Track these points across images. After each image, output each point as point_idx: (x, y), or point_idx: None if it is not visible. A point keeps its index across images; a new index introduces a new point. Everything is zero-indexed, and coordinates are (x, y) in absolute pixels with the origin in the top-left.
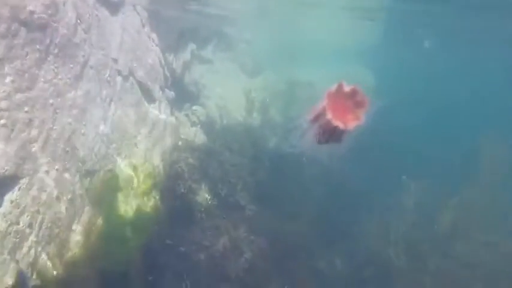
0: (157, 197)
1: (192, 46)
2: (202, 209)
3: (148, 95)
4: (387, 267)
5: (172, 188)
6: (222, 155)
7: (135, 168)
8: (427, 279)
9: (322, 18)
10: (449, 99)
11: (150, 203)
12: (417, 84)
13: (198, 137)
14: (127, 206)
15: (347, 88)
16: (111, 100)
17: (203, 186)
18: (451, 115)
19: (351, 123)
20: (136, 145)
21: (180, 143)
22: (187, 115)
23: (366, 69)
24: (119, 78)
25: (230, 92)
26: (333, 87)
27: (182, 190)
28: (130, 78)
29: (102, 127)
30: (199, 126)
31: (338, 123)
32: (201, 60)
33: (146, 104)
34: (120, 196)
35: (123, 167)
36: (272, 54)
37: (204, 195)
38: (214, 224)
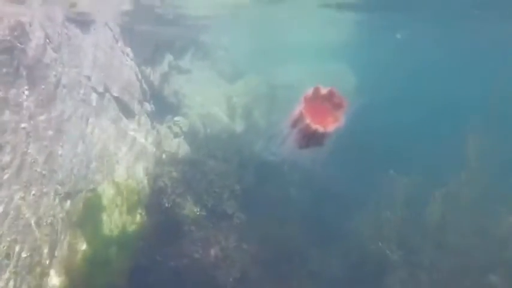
0: (143, 213)
1: (169, 57)
2: (190, 221)
3: (126, 110)
4: (382, 263)
5: (157, 202)
6: (207, 165)
7: (117, 186)
8: (422, 273)
9: (299, 18)
10: (432, 94)
11: (136, 220)
12: (399, 80)
13: (182, 148)
14: (112, 225)
15: (324, 91)
16: (87, 118)
17: (189, 198)
18: (435, 110)
19: (330, 125)
20: (118, 162)
21: (163, 155)
22: (169, 127)
23: (347, 66)
24: (94, 96)
25: (211, 100)
26: (310, 91)
27: (167, 204)
28: (107, 94)
29: (80, 147)
30: (182, 137)
31: (317, 127)
32: (179, 71)
33: (125, 120)
34: (104, 216)
35: (106, 185)
36: (251, 57)
37: (190, 207)
38: (203, 235)
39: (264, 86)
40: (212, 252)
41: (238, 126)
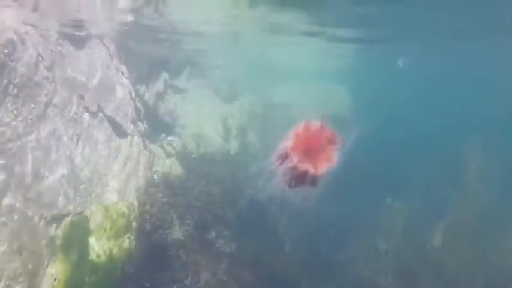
0: (132, 238)
1: (164, 76)
2: (181, 246)
3: (119, 130)
4: None
5: (147, 226)
6: (199, 187)
7: (107, 209)
8: None
9: (294, 44)
10: (428, 116)
11: (125, 245)
12: (394, 103)
13: (174, 168)
14: (99, 251)
15: (314, 126)
16: (78, 138)
17: (180, 221)
18: (430, 132)
19: (321, 165)
20: (108, 184)
21: (155, 176)
22: (162, 146)
23: (342, 87)
24: (86, 115)
25: (206, 120)
26: (298, 127)
27: (158, 227)
28: (99, 114)
29: (69, 167)
30: (175, 157)
31: (306, 168)
32: (175, 90)
33: (117, 140)
34: (91, 240)
35: (94, 208)
36: (247, 77)
37: (181, 231)
38: (194, 260)
39: (260, 106)
40: (203, 277)
41: (233, 147)
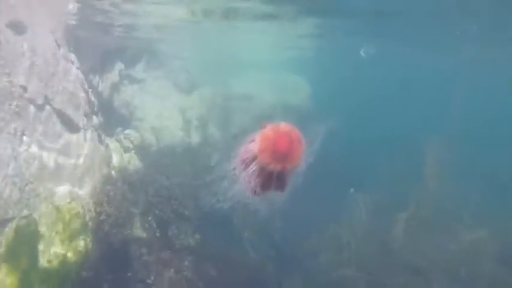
0: (89, 239)
1: (119, 66)
2: (142, 244)
3: (70, 124)
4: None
5: (105, 225)
6: (160, 181)
7: (58, 210)
8: None
9: (255, 33)
10: (389, 107)
11: (80, 247)
12: (355, 93)
13: (133, 163)
14: (51, 256)
15: (281, 127)
16: (22, 134)
17: (140, 218)
18: (391, 123)
19: (291, 167)
20: (60, 182)
21: (112, 172)
22: (119, 141)
23: (302, 78)
24: (31, 108)
25: (165, 112)
26: (263, 130)
27: (117, 226)
28: (47, 107)
29: (12, 166)
30: (133, 151)
31: (273, 169)
32: (131, 80)
33: (68, 135)
34: (41, 246)
35: (44, 210)
36: (207, 68)
37: (142, 229)
38: (156, 257)
39: (220, 98)
40: (167, 275)
41: (194, 140)
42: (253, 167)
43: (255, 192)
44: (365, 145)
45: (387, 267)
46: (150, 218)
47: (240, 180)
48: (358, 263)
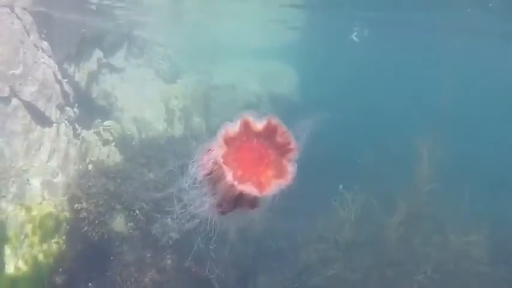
0: (62, 241)
1: (98, 54)
2: (122, 242)
3: (41, 118)
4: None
5: (83, 224)
6: (141, 175)
7: (28, 211)
8: None
9: (239, 19)
10: (384, 97)
11: (52, 250)
12: (346, 82)
13: (113, 156)
14: (19, 261)
15: (258, 125)
16: None
17: (120, 215)
18: (382, 114)
19: (269, 183)
20: (29, 181)
21: (90, 167)
22: (97, 133)
23: (288, 66)
24: None
25: (148, 102)
26: (233, 126)
27: (96, 225)
28: (13, 99)
29: None
30: (113, 144)
31: (245, 189)
32: (111, 69)
33: (39, 129)
34: (8, 250)
35: (11, 212)
36: (191, 56)
37: (122, 226)
38: (137, 257)
39: (204, 87)
40: (148, 275)
41: (177, 131)
42: (216, 179)
43: (221, 211)
44: (356, 139)
45: (376, 266)
46: (132, 214)
47: (201, 195)
48: (346, 261)
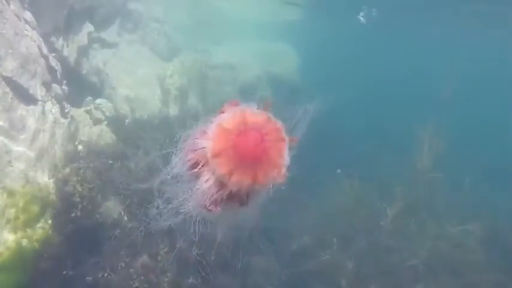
0: (48, 226)
1: (88, 27)
2: (113, 227)
3: (24, 95)
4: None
5: (69, 208)
6: (134, 156)
7: (11, 194)
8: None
9: None
10: (389, 83)
11: (37, 235)
12: (351, 65)
13: (104, 136)
14: (0, 247)
15: (254, 116)
16: None
17: (111, 198)
18: (383, 100)
19: (264, 178)
20: (11, 163)
21: (79, 147)
22: (88, 111)
23: (289, 47)
24: None
25: (142, 80)
26: (225, 118)
27: (81, 208)
28: None
29: None
30: (105, 123)
31: (239, 184)
32: (103, 44)
33: (23, 107)
34: None
35: None
36: (189, 33)
37: (113, 210)
38: (130, 241)
39: (202, 66)
40: (139, 260)
41: (172, 111)
42: (203, 173)
43: (208, 208)
44: (357, 126)
45: (373, 253)
46: (122, 197)
47: (187, 189)
48: (343, 248)
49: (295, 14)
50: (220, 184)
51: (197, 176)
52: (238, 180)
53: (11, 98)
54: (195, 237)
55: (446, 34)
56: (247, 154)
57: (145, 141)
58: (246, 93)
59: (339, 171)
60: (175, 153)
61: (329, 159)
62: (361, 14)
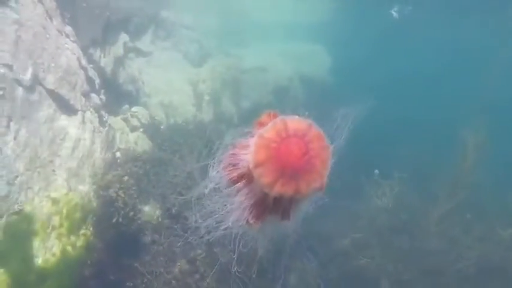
0: (89, 233)
1: (124, 37)
2: (152, 232)
3: (65, 106)
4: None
5: (110, 215)
6: (171, 162)
7: (55, 202)
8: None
9: None
10: (426, 83)
11: (80, 242)
12: (384, 64)
13: (141, 143)
14: (47, 254)
15: (292, 124)
16: (9, 120)
17: (150, 203)
18: (428, 102)
19: (307, 187)
20: (55, 172)
21: (117, 154)
22: (125, 119)
23: (320, 46)
24: (19, 90)
25: (176, 86)
26: (266, 128)
27: (123, 214)
28: (37, 87)
29: None
30: (141, 130)
31: (284, 193)
32: (137, 53)
33: (64, 117)
34: (36, 243)
35: (38, 203)
36: (219, 38)
37: (151, 215)
38: (168, 247)
39: (234, 69)
40: (178, 266)
41: (206, 115)
42: (244, 186)
43: (248, 222)
44: (395, 127)
45: (416, 256)
46: (160, 202)
47: (226, 203)
48: (381, 251)
49: (324, 14)
50: (262, 196)
51: (237, 190)
52: (281, 191)
53: (54, 109)
54: (234, 254)
55: (486, 35)
56: (291, 163)
57: (181, 146)
58: (279, 95)
59: (376, 171)
60: (213, 166)
61: (367, 160)
62: (394, 8)
